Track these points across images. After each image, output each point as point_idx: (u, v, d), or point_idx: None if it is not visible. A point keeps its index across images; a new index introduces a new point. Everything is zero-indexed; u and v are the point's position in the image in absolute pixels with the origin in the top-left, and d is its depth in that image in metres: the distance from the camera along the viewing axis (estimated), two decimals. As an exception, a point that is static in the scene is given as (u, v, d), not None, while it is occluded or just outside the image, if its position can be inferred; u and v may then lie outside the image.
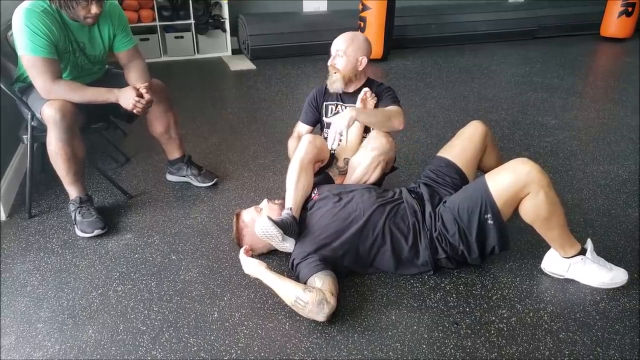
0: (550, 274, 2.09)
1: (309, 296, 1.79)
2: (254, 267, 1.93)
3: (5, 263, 2.20)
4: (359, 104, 2.36)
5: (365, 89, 2.36)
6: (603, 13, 6.27)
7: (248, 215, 2.17)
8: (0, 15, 2.70)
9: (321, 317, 1.79)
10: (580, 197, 2.70)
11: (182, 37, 5.41)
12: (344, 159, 2.40)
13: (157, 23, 5.28)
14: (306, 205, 2.15)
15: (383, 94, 2.41)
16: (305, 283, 1.88)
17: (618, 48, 6.14)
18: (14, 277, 2.11)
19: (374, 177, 2.30)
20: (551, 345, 1.75)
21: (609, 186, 2.82)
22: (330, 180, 2.38)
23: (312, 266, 1.90)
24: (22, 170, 2.90)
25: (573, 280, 2.05)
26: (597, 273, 2.00)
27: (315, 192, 2.19)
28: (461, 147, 2.25)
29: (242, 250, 2.01)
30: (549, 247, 2.07)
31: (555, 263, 2.06)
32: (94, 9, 2.20)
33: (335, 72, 2.38)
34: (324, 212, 2.05)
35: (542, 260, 2.12)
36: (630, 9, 6.04)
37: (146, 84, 2.37)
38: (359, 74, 2.41)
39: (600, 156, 3.19)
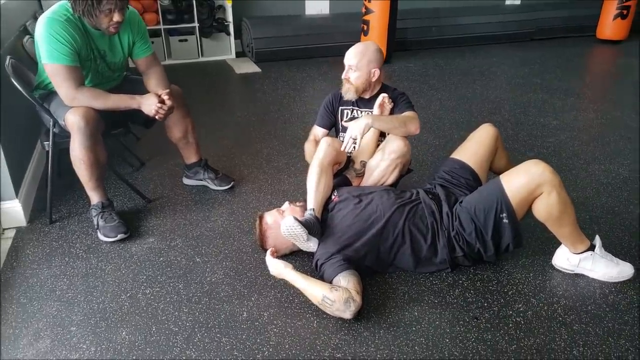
0: (561, 269, 2.18)
1: (336, 295, 1.86)
2: (280, 268, 2.01)
3: (31, 268, 2.25)
4: (376, 109, 2.44)
5: (384, 95, 2.45)
6: (599, 16, 6.39)
7: (270, 217, 2.24)
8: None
9: (348, 314, 1.87)
10: (585, 196, 2.79)
11: (186, 40, 5.47)
12: (361, 161, 2.47)
13: (162, 26, 5.33)
14: (327, 206, 2.23)
15: (398, 100, 2.49)
16: (330, 282, 1.96)
17: (614, 50, 6.27)
18: (41, 282, 2.17)
19: (391, 179, 2.38)
20: (566, 337, 1.84)
21: (611, 184, 2.92)
22: (348, 182, 2.45)
23: (337, 266, 1.98)
24: (39, 175, 2.96)
25: (583, 275, 2.14)
26: (605, 268, 2.10)
27: (335, 194, 2.27)
28: (474, 149, 2.34)
29: (268, 252, 2.09)
30: (558, 244, 2.17)
31: (566, 259, 2.15)
32: (117, 17, 2.25)
33: (348, 84, 2.47)
34: (346, 214, 2.13)
35: (552, 256, 2.21)
36: (625, 12, 6.17)
37: (167, 90, 2.44)
38: (373, 84, 2.49)
39: (601, 155, 3.30)
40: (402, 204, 2.13)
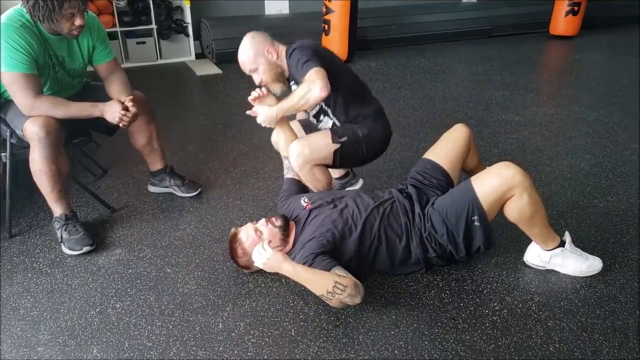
0: (532, 265, 2.22)
1: (346, 280, 1.82)
2: (280, 261, 1.88)
3: (-9, 286, 2.15)
4: (257, 105, 2.29)
5: (255, 94, 2.27)
6: (551, 12, 6.58)
7: (245, 234, 2.12)
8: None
9: (359, 299, 1.83)
10: (550, 191, 2.86)
11: (144, 42, 5.33)
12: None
13: (118, 29, 5.18)
14: (301, 214, 2.19)
15: (293, 66, 2.23)
16: None
17: (566, 45, 6.47)
18: (3, 301, 2.06)
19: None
20: (542, 334, 1.88)
21: (574, 179, 3.00)
22: (303, 186, 2.41)
23: (327, 262, 1.91)
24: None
25: (554, 271, 2.18)
26: (575, 263, 2.15)
27: (306, 200, 2.23)
28: (446, 149, 2.34)
29: (265, 242, 1.95)
30: (529, 241, 2.20)
31: (537, 255, 2.19)
32: (78, 21, 2.16)
33: (266, 86, 2.33)
34: (323, 219, 2.09)
35: (524, 253, 2.25)
36: (576, 9, 6.38)
37: (131, 97, 2.36)
38: (280, 62, 2.32)
39: (563, 151, 3.38)
40: (376, 205, 2.12)
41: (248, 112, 2.32)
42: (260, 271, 2.18)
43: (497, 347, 1.82)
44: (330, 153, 2.31)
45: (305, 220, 2.15)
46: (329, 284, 1.81)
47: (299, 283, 1.92)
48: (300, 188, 2.40)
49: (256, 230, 2.10)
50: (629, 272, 2.19)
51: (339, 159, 2.34)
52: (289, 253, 2.07)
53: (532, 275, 2.18)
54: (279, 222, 2.11)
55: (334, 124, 2.40)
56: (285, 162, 2.44)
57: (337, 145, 2.31)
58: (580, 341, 1.84)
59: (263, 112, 2.24)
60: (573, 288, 2.11)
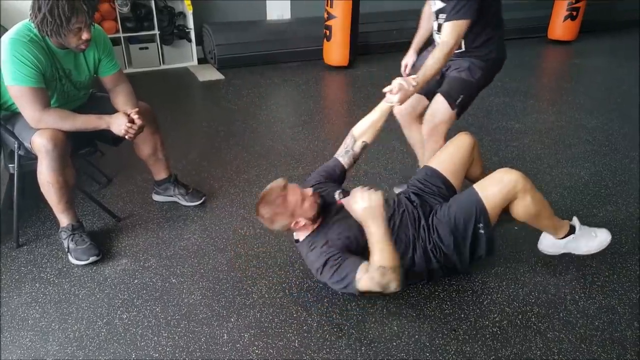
0: (548, 253, 2.33)
1: None
2: (378, 216, 1.90)
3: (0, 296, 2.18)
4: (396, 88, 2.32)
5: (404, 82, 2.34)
6: (550, 17, 6.60)
7: (292, 191, 2.06)
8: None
9: (393, 289, 1.88)
10: (550, 200, 2.81)
11: (146, 48, 5.35)
12: (362, 141, 2.40)
13: (121, 34, 5.21)
14: (332, 208, 2.16)
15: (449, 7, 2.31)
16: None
17: (565, 50, 6.48)
18: (12, 311, 2.10)
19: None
20: (541, 345, 1.91)
21: (574, 188, 3.03)
22: (342, 179, 2.39)
23: (355, 258, 1.93)
24: (0, 198, 2.84)
25: (553, 282, 2.23)
26: (586, 245, 2.26)
27: (340, 196, 2.16)
28: (449, 157, 2.36)
29: (380, 192, 1.94)
30: (530, 252, 2.26)
31: (552, 244, 2.31)
32: (85, 35, 2.19)
33: None
34: (349, 227, 2.07)
35: (523, 263, 2.30)
36: (574, 13, 6.39)
37: (136, 109, 2.39)
38: None
39: (563, 159, 3.41)
40: (389, 217, 2.10)
41: (386, 89, 2.33)
42: (264, 274, 2.22)
43: (497, 358, 1.85)
44: (454, 116, 2.57)
45: (334, 215, 2.13)
46: (395, 262, 1.87)
47: (301, 293, 1.95)
48: (340, 176, 2.37)
49: (302, 194, 2.06)
50: (627, 283, 2.22)
51: (461, 111, 2.60)
52: (310, 237, 2.09)
53: (531, 286, 2.22)
54: (319, 200, 2.11)
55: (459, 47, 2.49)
56: (347, 141, 2.40)
57: (456, 109, 2.54)
58: (579, 353, 1.88)
59: (404, 90, 2.30)
60: (572, 299, 2.14)
